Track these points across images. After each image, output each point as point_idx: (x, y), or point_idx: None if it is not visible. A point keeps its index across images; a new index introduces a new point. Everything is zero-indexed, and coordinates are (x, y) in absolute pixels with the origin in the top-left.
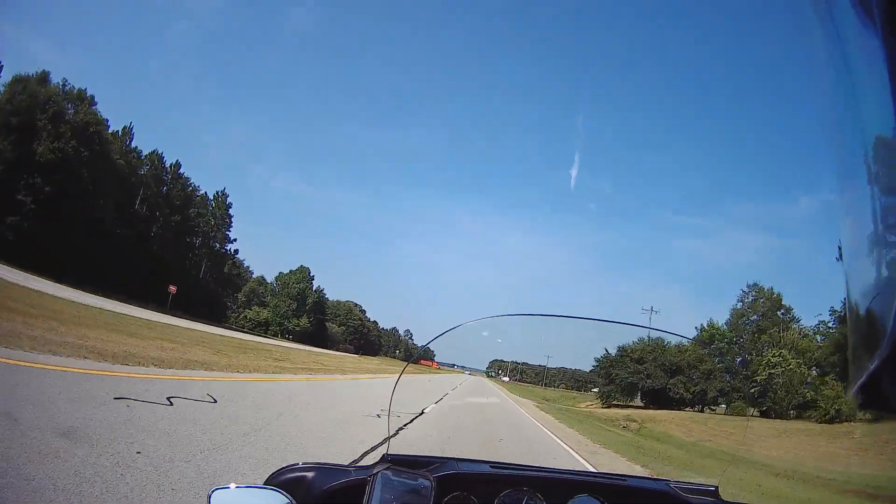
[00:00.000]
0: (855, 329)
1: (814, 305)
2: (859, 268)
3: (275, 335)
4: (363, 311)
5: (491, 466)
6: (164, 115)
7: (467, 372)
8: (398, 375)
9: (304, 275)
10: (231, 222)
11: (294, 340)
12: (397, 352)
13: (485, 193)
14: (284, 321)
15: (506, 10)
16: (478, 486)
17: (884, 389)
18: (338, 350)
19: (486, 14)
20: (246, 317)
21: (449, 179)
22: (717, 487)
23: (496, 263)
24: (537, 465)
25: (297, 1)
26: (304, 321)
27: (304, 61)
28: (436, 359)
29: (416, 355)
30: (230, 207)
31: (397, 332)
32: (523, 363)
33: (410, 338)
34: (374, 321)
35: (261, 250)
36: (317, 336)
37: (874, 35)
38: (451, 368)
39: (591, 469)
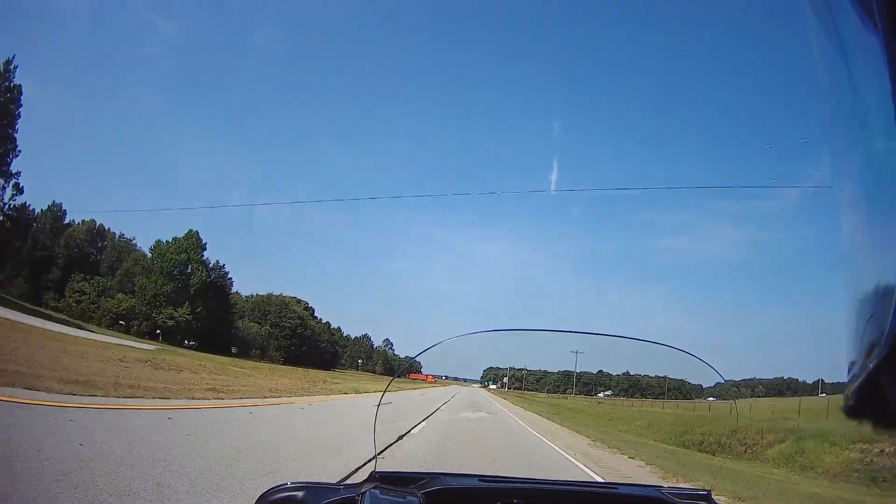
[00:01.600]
0: (854, 328)
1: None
2: (858, 266)
3: (141, 335)
4: (309, 310)
5: (480, 480)
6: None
7: (476, 385)
8: (382, 393)
9: (191, 242)
10: (17, 113)
11: (164, 340)
12: (360, 361)
13: (465, 206)
14: (154, 311)
15: (479, 13)
16: (467, 500)
17: (883, 389)
18: (248, 358)
19: (458, 19)
20: (104, 308)
21: (429, 193)
22: (709, 492)
23: (480, 274)
24: (527, 478)
25: (261, 20)
26: (183, 311)
27: (273, 81)
28: (424, 371)
29: (401, 369)
30: (20, 93)
31: (369, 339)
32: (522, 369)
33: (391, 348)
34: (328, 323)
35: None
36: (217, 336)
37: (874, 35)
38: (442, 380)
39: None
